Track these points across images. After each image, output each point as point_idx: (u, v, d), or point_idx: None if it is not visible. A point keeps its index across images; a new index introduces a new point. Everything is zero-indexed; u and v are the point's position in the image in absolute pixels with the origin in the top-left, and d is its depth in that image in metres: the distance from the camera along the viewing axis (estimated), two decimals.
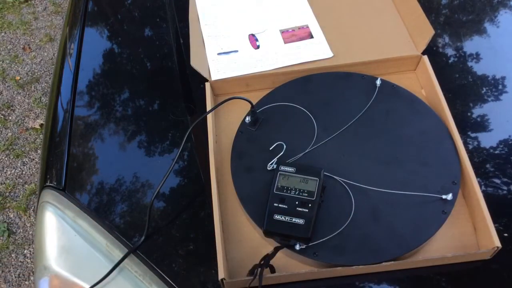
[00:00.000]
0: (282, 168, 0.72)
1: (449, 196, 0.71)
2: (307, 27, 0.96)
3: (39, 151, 1.84)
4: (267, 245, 0.72)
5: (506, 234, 0.71)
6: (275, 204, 0.69)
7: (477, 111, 0.86)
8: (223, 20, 0.99)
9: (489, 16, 1.01)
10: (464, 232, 0.72)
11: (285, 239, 0.68)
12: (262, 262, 0.66)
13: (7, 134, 1.89)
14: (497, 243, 0.66)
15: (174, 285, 0.71)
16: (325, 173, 0.73)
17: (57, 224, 0.78)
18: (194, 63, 0.85)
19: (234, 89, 0.90)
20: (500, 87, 0.89)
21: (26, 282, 1.55)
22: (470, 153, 0.78)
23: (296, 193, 0.70)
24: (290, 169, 0.72)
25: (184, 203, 0.79)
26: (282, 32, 0.96)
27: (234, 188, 0.75)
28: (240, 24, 0.98)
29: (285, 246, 0.68)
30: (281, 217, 0.68)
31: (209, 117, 0.82)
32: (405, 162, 0.76)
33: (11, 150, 1.85)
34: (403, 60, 0.88)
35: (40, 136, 1.88)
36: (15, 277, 1.56)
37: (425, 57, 0.86)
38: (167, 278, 0.71)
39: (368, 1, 0.99)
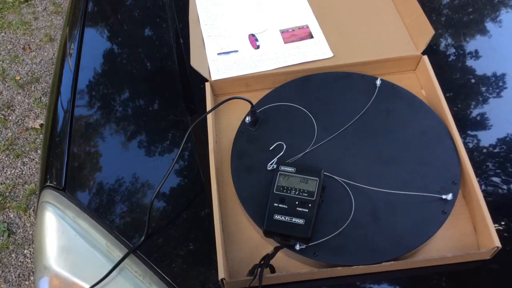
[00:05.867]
0: (282, 168, 0.72)
1: (449, 196, 0.71)
2: (307, 27, 0.96)
3: (39, 151, 1.84)
4: (267, 245, 0.72)
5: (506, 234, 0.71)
6: (275, 204, 0.69)
7: (477, 111, 0.86)
8: (223, 20, 0.99)
9: (489, 16, 1.01)
10: (464, 232, 0.72)
11: (285, 239, 0.68)
12: (262, 262, 0.66)
13: (7, 134, 1.89)
14: (497, 243, 0.66)
15: (174, 285, 0.71)
16: (325, 173, 0.73)
17: (57, 224, 0.78)
18: (194, 63, 0.85)
19: (234, 89, 0.90)
20: (500, 87, 0.89)
21: (26, 282, 1.55)
22: (470, 153, 0.78)
23: (296, 193, 0.69)
24: (290, 169, 0.72)
25: (184, 203, 0.79)
26: (282, 32, 0.96)
27: (234, 188, 0.75)
28: (240, 24, 0.98)
29: (285, 246, 0.68)
30: (281, 217, 0.68)
31: (209, 117, 0.82)
32: (405, 162, 0.76)
33: (11, 150, 1.85)
34: (403, 60, 0.88)
35: (40, 136, 1.88)
36: (15, 277, 1.56)
37: (425, 57, 0.86)
38: (167, 278, 0.71)
39: (368, 1, 0.99)
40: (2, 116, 1.94)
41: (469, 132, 0.83)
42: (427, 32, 0.86)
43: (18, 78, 2.07)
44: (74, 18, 1.11)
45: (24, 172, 1.79)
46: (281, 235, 0.68)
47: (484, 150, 0.81)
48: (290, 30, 0.96)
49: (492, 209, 0.68)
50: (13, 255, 1.60)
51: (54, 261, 0.74)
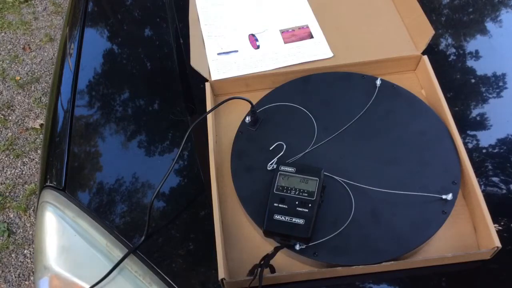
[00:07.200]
0: (282, 168, 0.72)
1: (449, 196, 0.71)
2: (307, 27, 0.96)
3: (39, 151, 1.84)
4: (267, 245, 0.72)
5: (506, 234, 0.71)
6: (275, 204, 0.69)
7: (477, 111, 0.86)
8: (223, 20, 0.99)
9: (490, 16, 1.01)
10: (464, 232, 0.72)
11: (285, 239, 0.68)
12: (262, 262, 0.66)
13: (7, 134, 1.89)
14: (497, 243, 0.66)
15: (174, 285, 0.71)
16: (325, 173, 0.73)
17: (57, 224, 0.78)
18: (194, 63, 0.85)
19: (234, 89, 0.90)
20: (500, 87, 0.89)
21: (26, 282, 1.55)
22: (470, 153, 0.78)
23: (296, 193, 0.70)
24: (290, 169, 0.72)
25: (184, 203, 0.79)
26: (282, 32, 0.96)
27: (234, 188, 0.75)
28: (240, 24, 0.98)
29: (285, 246, 0.68)
30: (281, 217, 0.68)
31: (209, 117, 0.82)
32: (405, 162, 0.76)
33: (11, 150, 1.85)
34: (403, 60, 0.88)
35: (40, 136, 1.88)
36: (15, 277, 1.56)
37: (425, 57, 0.86)
38: (167, 278, 0.71)
39: (368, 1, 0.99)
40: (2, 116, 1.94)
41: (469, 132, 0.83)
42: (427, 32, 0.86)
43: (18, 78, 2.07)
44: (74, 18, 1.11)
45: (24, 172, 1.79)
46: (281, 235, 0.68)
47: (484, 150, 0.81)
48: (290, 30, 0.96)
49: (492, 209, 0.68)
50: (13, 255, 1.60)
51: (54, 261, 0.74)
